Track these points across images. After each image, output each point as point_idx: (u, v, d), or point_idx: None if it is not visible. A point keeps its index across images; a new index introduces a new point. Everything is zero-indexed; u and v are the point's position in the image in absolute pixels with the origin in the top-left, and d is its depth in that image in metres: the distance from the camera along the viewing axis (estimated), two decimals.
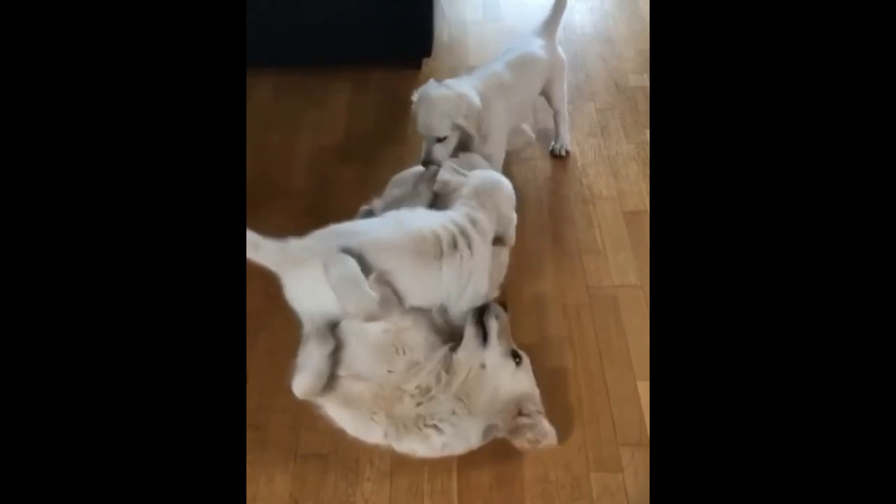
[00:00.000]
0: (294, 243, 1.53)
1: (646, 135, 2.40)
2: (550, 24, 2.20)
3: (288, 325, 1.61)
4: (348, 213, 2.12)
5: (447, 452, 1.54)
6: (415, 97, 1.97)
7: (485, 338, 1.54)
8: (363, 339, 1.52)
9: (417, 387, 1.50)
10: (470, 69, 2.70)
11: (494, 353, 1.53)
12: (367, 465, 1.61)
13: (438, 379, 1.51)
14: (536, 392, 1.56)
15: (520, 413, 1.50)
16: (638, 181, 2.24)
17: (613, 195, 2.20)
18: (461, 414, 1.50)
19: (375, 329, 1.51)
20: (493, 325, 1.55)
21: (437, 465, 1.58)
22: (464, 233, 1.59)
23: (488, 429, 1.51)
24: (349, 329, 1.53)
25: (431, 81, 1.96)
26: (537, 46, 2.15)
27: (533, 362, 1.67)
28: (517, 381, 1.54)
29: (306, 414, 1.68)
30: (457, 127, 1.90)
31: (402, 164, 2.32)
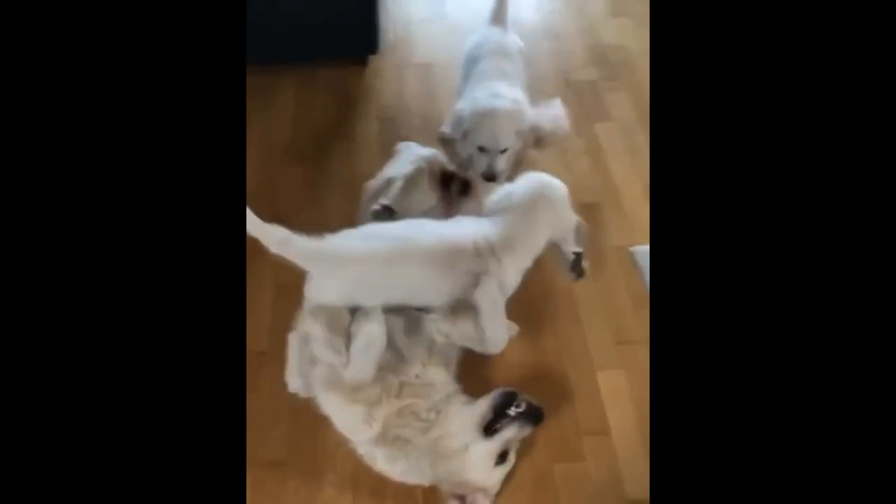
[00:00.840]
0: (332, 242, 1.52)
1: (596, 128, 2.43)
2: (500, 14, 2.19)
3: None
4: (300, 212, 2.07)
5: (403, 479, 1.52)
6: (463, 113, 1.90)
7: (488, 430, 1.46)
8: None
9: (413, 412, 1.49)
10: (417, 66, 2.70)
11: (484, 447, 1.45)
12: (328, 471, 1.56)
13: (429, 414, 1.49)
14: (496, 489, 1.50)
15: (463, 497, 1.46)
16: (590, 175, 2.26)
17: (567, 189, 2.21)
18: (424, 458, 1.47)
19: (429, 330, 1.59)
20: (506, 434, 1.47)
21: None
22: (493, 249, 1.56)
23: (436, 480, 1.49)
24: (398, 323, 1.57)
25: (477, 94, 1.92)
26: (501, 34, 2.13)
27: (493, 357, 1.67)
28: (485, 476, 1.47)
29: (262, 422, 1.63)
30: (519, 136, 1.88)
31: (353, 162, 2.29)
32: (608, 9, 2.99)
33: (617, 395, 1.71)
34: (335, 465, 1.57)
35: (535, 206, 1.63)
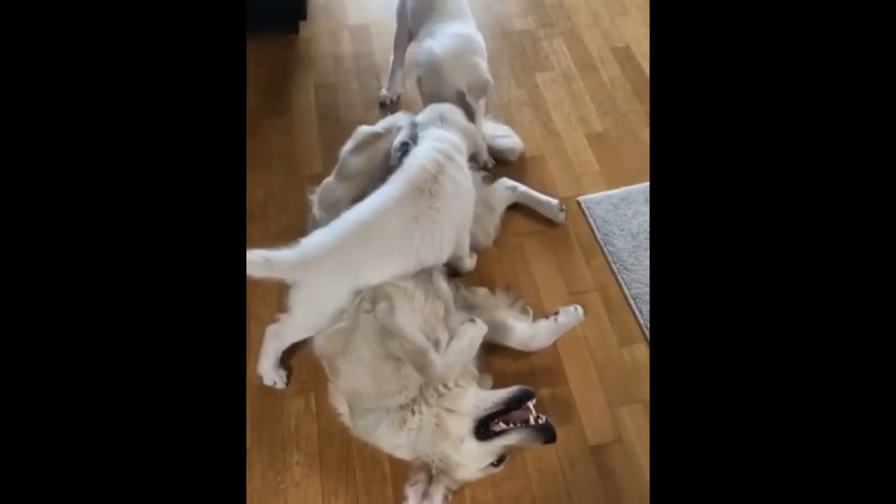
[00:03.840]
0: (309, 242, 1.52)
1: (535, 78, 2.39)
2: None
3: None
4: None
5: (393, 452, 1.52)
6: (418, 62, 1.92)
7: (484, 428, 1.45)
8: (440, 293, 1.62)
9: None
10: (351, 28, 2.62)
11: (482, 449, 1.44)
12: (293, 451, 1.57)
13: (451, 382, 1.49)
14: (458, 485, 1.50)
15: (430, 479, 1.46)
16: (532, 126, 2.24)
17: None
18: (427, 429, 1.46)
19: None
20: (510, 439, 1.44)
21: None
22: (445, 153, 1.66)
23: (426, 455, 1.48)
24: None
25: (434, 42, 1.89)
26: None
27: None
28: (471, 473, 1.46)
29: None
30: (461, 96, 1.85)
31: (292, 137, 2.23)
32: None
33: (572, 344, 1.73)
34: (300, 444, 1.58)
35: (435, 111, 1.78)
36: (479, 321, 1.55)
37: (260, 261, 1.45)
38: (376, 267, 1.55)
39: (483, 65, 1.88)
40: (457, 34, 1.89)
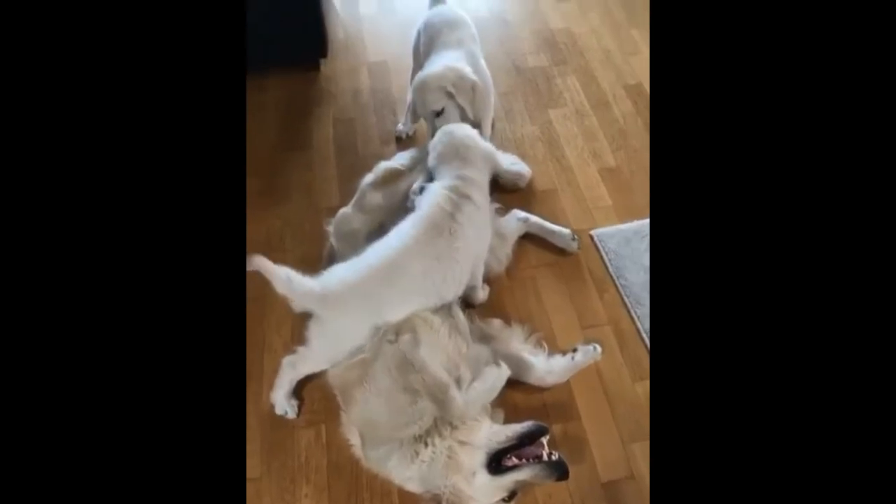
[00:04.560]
0: (330, 276, 1.54)
1: (549, 114, 2.43)
2: None
3: None
4: (260, 226, 2.06)
5: (404, 484, 1.50)
6: (410, 91, 2.05)
7: (497, 463, 1.44)
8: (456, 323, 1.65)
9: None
10: (371, 65, 2.69)
11: (494, 483, 1.43)
12: (302, 483, 1.57)
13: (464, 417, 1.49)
14: None
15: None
16: (545, 161, 2.26)
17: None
18: (438, 462, 1.44)
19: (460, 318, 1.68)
20: (522, 475, 1.43)
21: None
22: (457, 191, 1.69)
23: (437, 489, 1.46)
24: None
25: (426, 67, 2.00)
26: (448, 10, 2.17)
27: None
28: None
29: None
30: (450, 96, 1.91)
31: (311, 170, 2.28)
32: None
33: (585, 379, 1.72)
34: (309, 476, 1.58)
35: (450, 146, 1.80)
36: (503, 365, 1.55)
37: (283, 277, 1.48)
38: (399, 307, 1.57)
39: (467, 68, 1.94)
40: (442, 55, 2.00)
